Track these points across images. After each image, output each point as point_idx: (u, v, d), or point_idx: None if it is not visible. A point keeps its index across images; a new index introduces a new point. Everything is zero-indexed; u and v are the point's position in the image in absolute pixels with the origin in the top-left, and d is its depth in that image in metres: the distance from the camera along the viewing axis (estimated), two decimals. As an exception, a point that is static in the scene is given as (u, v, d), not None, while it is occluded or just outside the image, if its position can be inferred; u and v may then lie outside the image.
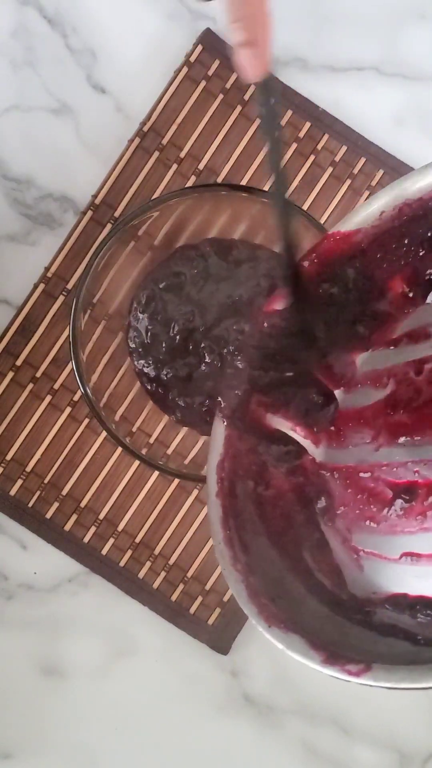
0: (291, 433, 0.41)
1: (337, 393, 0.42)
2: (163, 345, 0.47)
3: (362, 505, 0.40)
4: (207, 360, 0.46)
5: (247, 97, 0.52)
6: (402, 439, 0.40)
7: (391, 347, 0.41)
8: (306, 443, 0.42)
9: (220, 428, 0.40)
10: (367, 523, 0.40)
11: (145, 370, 0.48)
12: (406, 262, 0.39)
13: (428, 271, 0.39)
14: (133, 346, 0.48)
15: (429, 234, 0.38)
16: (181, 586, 0.52)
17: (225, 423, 0.40)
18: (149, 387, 0.48)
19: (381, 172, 0.52)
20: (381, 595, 0.38)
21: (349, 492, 0.41)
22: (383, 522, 0.40)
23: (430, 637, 0.33)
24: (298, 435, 0.41)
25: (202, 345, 0.46)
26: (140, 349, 0.48)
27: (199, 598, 0.51)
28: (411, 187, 0.36)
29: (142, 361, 0.48)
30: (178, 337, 0.47)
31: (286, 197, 0.37)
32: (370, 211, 0.37)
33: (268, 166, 0.35)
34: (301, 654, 0.33)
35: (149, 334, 0.47)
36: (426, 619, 0.35)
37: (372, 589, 0.38)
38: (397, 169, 0.52)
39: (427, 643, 0.33)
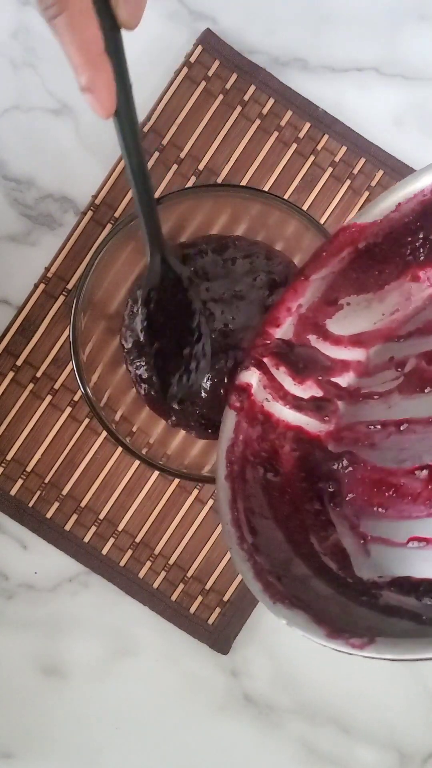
0: (299, 417, 0.42)
1: (352, 380, 0.43)
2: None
3: (372, 491, 0.41)
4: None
5: (247, 97, 0.52)
6: (427, 390, 0.40)
7: (401, 340, 0.42)
8: (313, 422, 0.43)
9: (230, 414, 0.41)
10: (376, 509, 0.40)
11: (139, 371, 0.47)
12: (422, 255, 0.40)
13: None
14: (128, 346, 0.48)
15: None
16: (181, 586, 0.52)
17: (236, 412, 0.41)
18: (143, 389, 0.48)
19: (381, 172, 0.52)
20: (386, 579, 0.38)
21: (358, 479, 0.41)
22: (392, 507, 0.40)
23: None
24: (307, 417, 0.43)
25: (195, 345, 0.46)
26: (135, 349, 0.48)
27: (199, 598, 0.51)
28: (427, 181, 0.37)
29: (137, 362, 0.48)
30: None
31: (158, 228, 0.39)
32: (387, 204, 0.38)
33: (136, 199, 0.37)
34: (304, 629, 0.33)
35: (144, 333, 0.47)
36: None
37: (378, 572, 0.38)
38: (397, 170, 0.52)
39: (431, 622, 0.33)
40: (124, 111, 0.33)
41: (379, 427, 0.42)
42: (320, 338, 0.42)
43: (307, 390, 0.43)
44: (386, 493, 0.40)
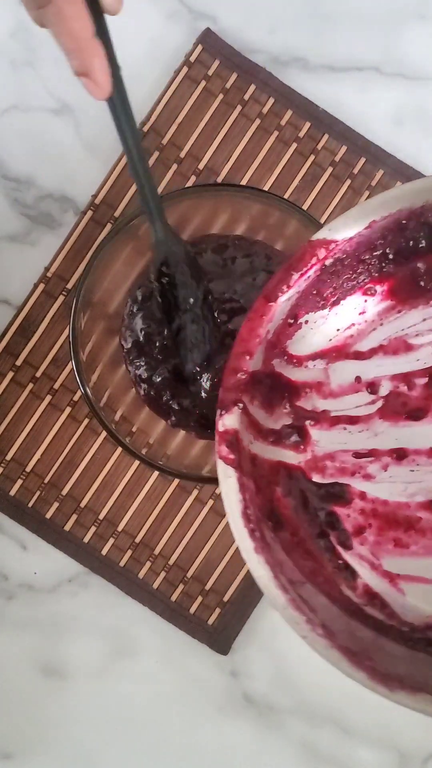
0: (278, 451, 0.41)
1: (318, 403, 0.41)
2: (157, 344, 0.47)
3: (384, 527, 0.39)
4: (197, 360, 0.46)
5: (247, 97, 0.52)
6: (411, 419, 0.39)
7: (364, 359, 0.41)
8: (291, 454, 0.41)
9: (227, 472, 0.36)
10: (395, 546, 0.39)
11: (138, 371, 0.47)
12: (378, 270, 0.39)
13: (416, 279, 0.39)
14: (128, 346, 0.48)
15: (410, 243, 0.38)
16: (181, 586, 0.51)
17: (233, 468, 0.36)
18: (143, 389, 0.48)
19: (381, 172, 0.52)
20: None
21: (363, 514, 0.39)
22: (415, 544, 0.38)
23: None
24: (289, 451, 0.41)
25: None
26: (134, 350, 0.48)
27: (199, 598, 0.51)
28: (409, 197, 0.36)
29: (137, 362, 0.48)
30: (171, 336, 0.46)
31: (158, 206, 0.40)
32: (359, 217, 0.36)
33: (131, 173, 0.38)
34: None
35: (143, 333, 0.47)
36: None
37: (425, 613, 0.36)
38: (398, 169, 0.52)
39: None
40: (116, 93, 0.34)
41: (371, 457, 0.40)
42: (282, 361, 0.40)
43: (279, 420, 0.40)
44: (403, 529, 0.39)
